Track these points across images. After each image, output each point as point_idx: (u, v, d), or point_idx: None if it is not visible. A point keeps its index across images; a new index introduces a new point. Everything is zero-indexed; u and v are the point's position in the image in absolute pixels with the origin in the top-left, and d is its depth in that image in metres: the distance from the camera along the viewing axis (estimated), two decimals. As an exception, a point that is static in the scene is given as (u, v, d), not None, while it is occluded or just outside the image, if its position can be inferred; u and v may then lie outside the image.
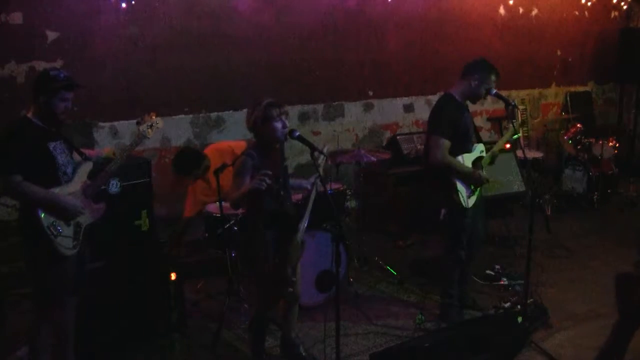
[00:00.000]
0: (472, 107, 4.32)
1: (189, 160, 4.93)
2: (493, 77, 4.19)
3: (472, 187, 4.23)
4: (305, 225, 3.54)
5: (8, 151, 3.16)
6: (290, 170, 6.23)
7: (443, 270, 4.41)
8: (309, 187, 3.67)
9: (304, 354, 3.86)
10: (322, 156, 3.57)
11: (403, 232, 6.14)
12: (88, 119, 5.22)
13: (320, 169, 3.57)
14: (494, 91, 4.25)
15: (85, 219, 3.37)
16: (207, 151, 5.15)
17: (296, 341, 3.89)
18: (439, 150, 4.05)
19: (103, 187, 3.65)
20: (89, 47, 5.15)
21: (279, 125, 3.44)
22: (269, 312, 3.76)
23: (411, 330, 4.34)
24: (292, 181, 3.82)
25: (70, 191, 3.30)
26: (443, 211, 4.20)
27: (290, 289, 3.56)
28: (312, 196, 3.58)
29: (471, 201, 4.23)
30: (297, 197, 4.47)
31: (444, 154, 4.06)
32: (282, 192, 3.55)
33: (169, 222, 5.29)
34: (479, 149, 4.33)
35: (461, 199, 4.14)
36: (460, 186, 4.15)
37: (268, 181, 3.22)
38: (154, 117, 3.69)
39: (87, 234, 3.40)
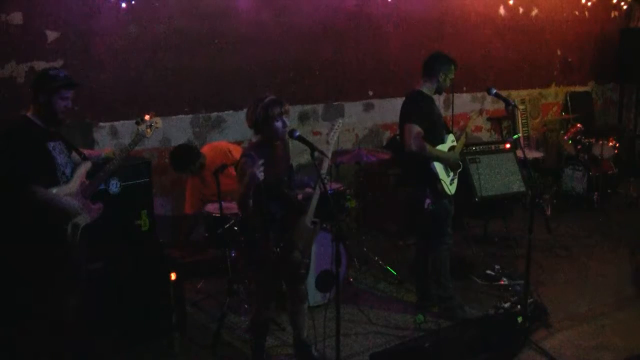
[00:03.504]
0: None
1: (184, 157, 5.04)
2: (453, 67, 4.37)
3: (451, 174, 4.39)
4: (313, 211, 3.56)
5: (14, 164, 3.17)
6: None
7: (433, 263, 4.46)
8: (311, 184, 3.68)
9: (315, 354, 3.86)
10: (324, 158, 3.57)
11: (403, 232, 6.13)
12: (88, 119, 5.22)
13: (324, 171, 3.57)
14: (494, 91, 4.32)
15: (83, 220, 3.36)
16: (204, 150, 5.21)
17: (308, 341, 3.87)
18: (411, 136, 4.15)
19: (103, 187, 3.65)
20: (89, 47, 5.15)
21: (279, 124, 3.43)
22: (269, 312, 3.75)
23: (411, 330, 4.34)
24: (295, 178, 3.80)
25: (68, 191, 3.29)
26: (427, 201, 4.25)
27: (303, 271, 3.54)
28: (316, 196, 3.58)
29: (453, 188, 4.39)
30: (300, 196, 4.48)
31: (419, 140, 4.15)
32: (286, 191, 3.55)
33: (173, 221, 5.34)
34: (450, 139, 4.50)
35: (445, 187, 4.28)
36: (442, 174, 4.28)
37: (262, 170, 3.21)
38: (153, 117, 3.70)
39: (85, 234, 3.40)
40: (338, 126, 3.80)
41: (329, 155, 3.67)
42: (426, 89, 4.34)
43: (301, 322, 3.83)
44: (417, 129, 4.14)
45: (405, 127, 4.20)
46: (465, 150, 5.61)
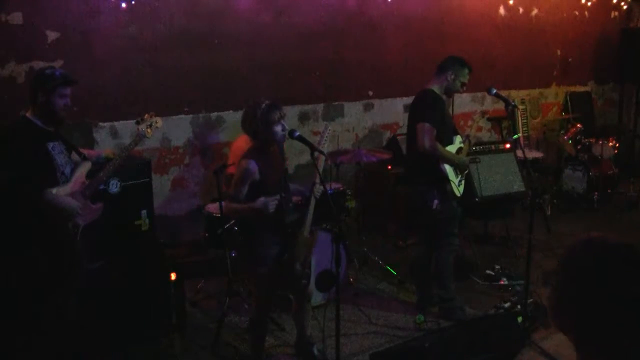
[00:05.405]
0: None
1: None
2: (466, 71, 4.32)
3: (459, 176, 4.38)
4: (310, 222, 3.59)
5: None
6: (290, 171, 6.24)
7: (436, 264, 4.46)
8: (307, 193, 3.68)
9: (316, 353, 3.87)
10: (322, 156, 3.58)
11: (403, 232, 6.13)
12: (88, 119, 5.22)
13: (320, 169, 3.57)
14: (494, 91, 4.31)
15: (82, 220, 3.36)
16: (239, 141, 5.18)
17: (310, 340, 3.89)
18: (426, 135, 4.10)
19: (103, 187, 3.65)
20: (89, 47, 5.14)
21: (279, 129, 3.44)
22: (268, 312, 3.77)
23: (411, 330, 4.34)
24: (290, 186, 3.82)
25: (68, 192, 3.29)
26: (436, 201, 4.24)
27: (305, 281, 3.58)
28: (312, 202, 3.59)
29: (461, 189, 4.39)
30: (295, 198, 4.49)
31: (432, 139, 4.11)
32: (283, 195, 3.55)
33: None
34: (458, 140, 4.48)
35: (454, 188, 4.27)
36: (452, 175, 4.26)
37: (274, 204, 3.35)
38: (153, 117, 3.70)
39: (85, 234, 3.40)
40: (328, 133, 3.80)
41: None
42: (436, 88, 4.30)
43: (305, 320, 3.86)
44: (430, 127, 4.10)
45: (418, 126, 4.15)
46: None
